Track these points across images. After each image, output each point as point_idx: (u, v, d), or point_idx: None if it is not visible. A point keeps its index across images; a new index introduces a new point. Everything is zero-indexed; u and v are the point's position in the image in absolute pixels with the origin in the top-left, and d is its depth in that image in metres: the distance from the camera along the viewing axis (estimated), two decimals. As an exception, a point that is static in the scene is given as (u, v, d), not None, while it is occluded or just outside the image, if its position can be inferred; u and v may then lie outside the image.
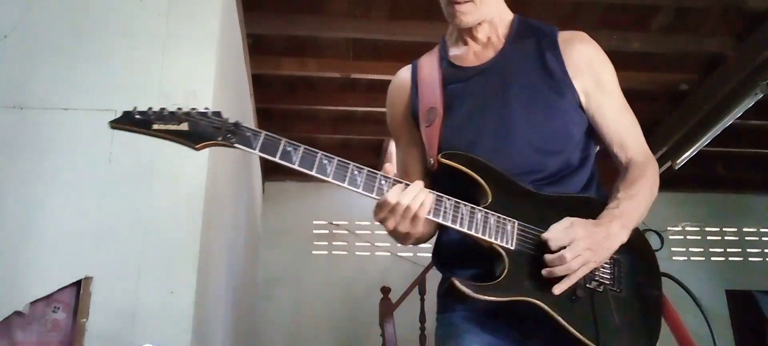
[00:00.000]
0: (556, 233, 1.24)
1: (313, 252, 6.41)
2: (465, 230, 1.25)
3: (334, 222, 6.46)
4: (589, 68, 1.42)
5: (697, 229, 6.80)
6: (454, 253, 1.38)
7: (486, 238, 1.25)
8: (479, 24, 1.45)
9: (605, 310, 1.26)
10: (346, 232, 6.41)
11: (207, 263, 2.66)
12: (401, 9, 3.92)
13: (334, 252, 6.44)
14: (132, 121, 1.17)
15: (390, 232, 1.26)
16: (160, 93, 2.59)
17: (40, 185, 2.42)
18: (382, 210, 1.22)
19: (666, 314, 1.37)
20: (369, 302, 5.57)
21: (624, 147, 1.41)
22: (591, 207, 1.33)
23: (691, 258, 6.69)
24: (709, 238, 6.81)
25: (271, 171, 6.27)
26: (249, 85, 4.30)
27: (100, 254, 2.36)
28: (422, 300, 5.09)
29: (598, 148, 1.49)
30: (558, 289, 1.23)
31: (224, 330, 3.40)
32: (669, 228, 6.67)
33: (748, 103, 4.40)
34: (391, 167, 1.28)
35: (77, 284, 2.32)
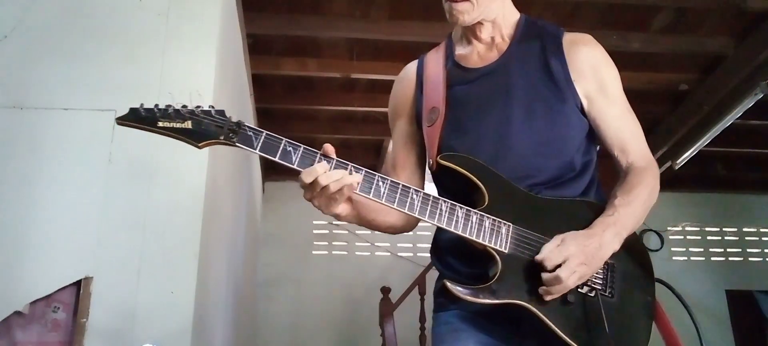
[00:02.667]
0: (548, 253, 1.24)
1: (313, 252, 6.41)
2: (459, 232, 1.26)
3: (334, 222, 6.45)
4: (593, 72, 1.42)
5: (697, 229, 6.80)
6: (452, 250, 1.38)
7: (480, 241, 1.26)
8: (481, 24, 1.45)
9: (596, 315, 1.27)
10: (346, 232, 6.41)
11: (207, 263, 2.66)
12: (401, 9, 3.92)
13: (334, 252, 6.44)
14: (138, 118, 1.18)
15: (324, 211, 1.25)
16: (160, 93, 2.59)
17: (40, 185, 2.42)
18: (302, 183, 1.20)
19: (658, 320, 1.37)
20: (369, 302, 5.57)
21: (625, 152, 1.41)
22: (588, 211, 1.33)
23: (691, 258, 6.69)
24: (709, 238, 6.81)
25: (271, 171, 6.27)
26: (249, 85, 4.30)
27: (100, 254, 2.36)
28: (422, 300, 5.09)
29: (599, 148, 1.49)
30: (549, 296, 1.24)
31: (224, 330, 3.40)
32: (669, 228, 6.68)
33: (748, 103, 4.40)
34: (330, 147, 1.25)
35: (77, 284, 2.32)
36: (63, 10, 2.69)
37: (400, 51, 4.19)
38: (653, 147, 5.94)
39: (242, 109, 3.99)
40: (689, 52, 4.43)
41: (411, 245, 6.30)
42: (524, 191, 1.33)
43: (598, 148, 1.49)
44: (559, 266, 1.22)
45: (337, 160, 1.23)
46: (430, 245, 1.49)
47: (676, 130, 5.07)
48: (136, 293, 2.33)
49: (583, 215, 1.32)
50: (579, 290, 1.27)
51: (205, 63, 2.71)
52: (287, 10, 3.91)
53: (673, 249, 6.66)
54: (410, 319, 5.13)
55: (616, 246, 1.28)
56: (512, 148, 1.36)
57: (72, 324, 2.28)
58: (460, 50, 1.52)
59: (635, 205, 1.33)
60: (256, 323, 5.81)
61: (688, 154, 5.21)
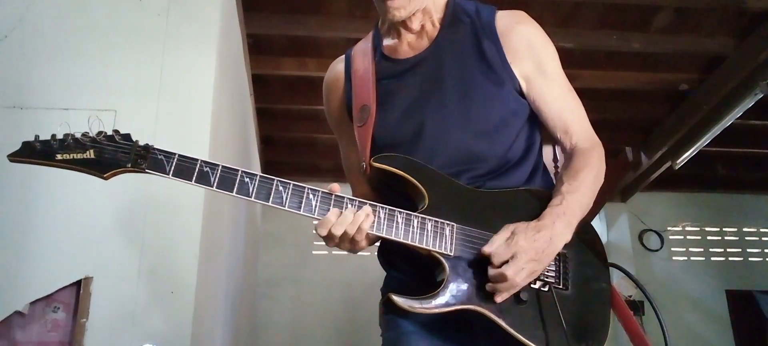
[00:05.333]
0: (497, 248, 1.18)
1: (313, 252, 6.40)
2: (401, 239, 1.19)
3: (334, 222, 6.45)
4: (530, 52, 1.34)
5: (697, 229, 6.80)
6: (400, 253, 1.32)
7: (423, 246, 1.19)
8: (412, 14, 1.36)
9: (552, 310, 1.20)
10: (346, 232, 6.40)
11: (207, 263, 2.66)
12: (401, 9, 3.91)
13: (334, 252, 6.42)
14: (33, 153, 1.11)
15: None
16: (160, 93, 2.59)
17: (40, 185, 2.42)
18: (322, 230, 1.17)
19: (615, 306, 1.31)
20: (369, 302, 5.55)
21: (568, 133, 1.35)
22: (534, 200, 1.28)
23: (691, 258, 6.69)
24: (709, 238, 6.81)
25: (272, 172, 6.26)
26: (249, 85, 4.30)
27: (100, 254, 2.36)
28: (422, 300, 5.09)
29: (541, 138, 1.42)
30: (500, 298, 1.18)
31: (224, 330, 3.40)
32: (669, 228, 6.68)
33: (748, 103, 4.40)
34: (337, 186, 1.20)
35: (77, 284, 2.32)
36: (63, 10, 2.69)
37: (400, 51, 4.17)
38: (653, 147, 5.95)
39: (242, 109, 3.99)
40: (689, 52, 4.43)
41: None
42: (465, 186, 1.26)
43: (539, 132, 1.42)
44: (507, 262, 1.17)
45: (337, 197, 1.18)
46: None
47: (676, 130, 5.06)
48: (136, 293, 2.33)
49: (530, 205, 1.26)
50: (532, 286, 1.21)
51: (205, 63, 2.70)
52: (287, 10, 3.91)
53: (673, 249, 6.66)
54: (410, 319, 5.13)
55: (568, 237, 1.23)
56: (449, 141, 1.29)
57: (72, 324, 2.28)
58: (387, 41, 1.44)
59: (582, 190, 1.27)
60: (256, 323, 5.81)
61: (688, 155, 5.21)
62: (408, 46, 1.41)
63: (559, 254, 1.25)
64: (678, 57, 4.54)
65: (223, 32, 2.89)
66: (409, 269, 1.30)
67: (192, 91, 2.63)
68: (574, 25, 3.95)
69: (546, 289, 1.23)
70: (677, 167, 5.37)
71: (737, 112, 4.54)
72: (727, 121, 4.67)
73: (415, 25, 1.39)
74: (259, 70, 4.39)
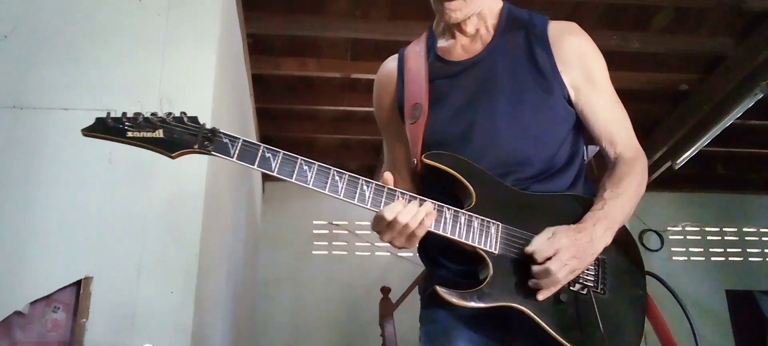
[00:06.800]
0: (539, 245, 1.21)
1: (313, 252, 6.41)
2: (448, 235, 1.22)
3: (334, 222, 6.45)
4: (580, 62, 1.38)
5: (697, 229, 6.80)
6: (440, 247, 1.35)
7: (469, 242, 1.22)
8: (467, 17, 1.41)
9: (589, 312, 1.24)
10: (346, 232, 6.41)
11: (207, 263, 2.66)
12: (401, 9, 3.91)
13: (334, 252, 6.44)
14: (105, 129, 1.13)
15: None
16: (160, 93, 2.59)
17: (40, 185, 2.42)
18: (379, 223, 1.19)
19: (650, 313, 1.35)
20: (369, 302, 5.56)
21: (613, 142, 1.38)
22: (577, 206, 1.31)
23: (691, 258, 6.69)
24: (709, 238, 6.81)
25: (272, 171, 6.26)
26: (249, 85, 4.30)
27: (100, 254, 2.35)
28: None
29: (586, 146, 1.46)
30: (542, 295, 1.22)
31: (224, 330, 3.40)
32: (669, 228, 6.68)
33: (748, 103, 4.40)
34: (390, 176, 1.22)
35: (77, 284, 2.32)
36: (63, 10, 2.69)
37: (400, 51, 4.17)
38: (653, 147, 5.95)
39: (242, 110, 3.99)
40: (689, 52, 4.43)
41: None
42: (512, 187, 1.30)
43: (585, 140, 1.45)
44: (550, 258, 1.20)
45: (399, 192, 1.19)
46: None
47: (676, 130, 5.07)
48: (136, 293, 2.33)
49: (572, 209, 1.30)
50: (571, 288, 1.25)
51: (205, 63, 2.70)
52: (287, 10, 3.91)
53: (673, 249, 6.66)
54: (410, 319, 5.10)
55: (608, 240, 1.26)
56: (498, 143, 1.32)
57: (72, 324, 2.28)
58: (442, 43, 1.48)
59: (624, 197, 1.30)
60: (256, 323, 5.81)
61: (688, 155, 5.21)
62: (462, 48, 1.45)
63: (597, 259, 1.28)
64: (678, 57, 4.54)
65: (223, 32, 2.89)
66: (452, 266, 1.33)
67: (192, 91, 2.63)
68: (574, 25, 3.95)
69: (584, 292, 1.26)
70: (677, 167, 5.37)
71: (737, 112, 4.54)
72: (727, 121, 4.67)
73: (470, 28, 1.43)
74: (259, 70, 4.39)
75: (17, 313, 2.26)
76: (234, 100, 3.48)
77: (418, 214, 1.17)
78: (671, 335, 1.40)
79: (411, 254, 6.16)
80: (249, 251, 4.90)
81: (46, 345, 2.27)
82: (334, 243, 6.44)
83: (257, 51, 4.18)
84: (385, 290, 4.97)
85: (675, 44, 4.27)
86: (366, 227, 6.35)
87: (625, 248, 1.34)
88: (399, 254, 6.23)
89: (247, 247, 4.73)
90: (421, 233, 1.19)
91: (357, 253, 6.41)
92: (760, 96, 4.25)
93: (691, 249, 6.73)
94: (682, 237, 6.75)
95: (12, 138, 2.48)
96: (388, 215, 1.16)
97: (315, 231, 6.45)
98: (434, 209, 1.21)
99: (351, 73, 4.54)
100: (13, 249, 2.34)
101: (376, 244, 6.34)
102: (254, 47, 4.10)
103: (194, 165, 2.54)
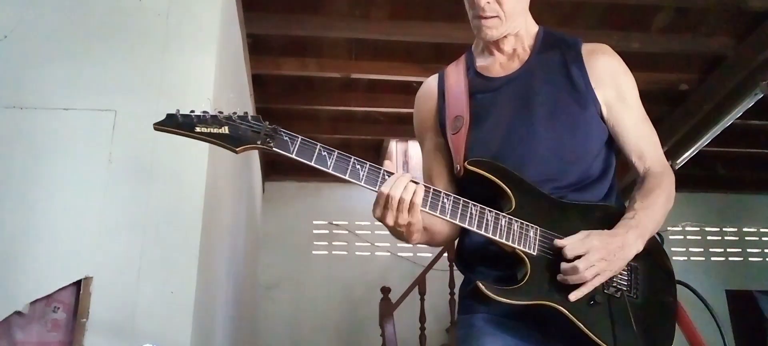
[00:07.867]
0: (572, 242, 1.28)
1: (313, 252, 6.41)
2: (489, 235, 1.28)
3: (334, 222, 6.46)
4: (612, 80, 1.47)
5: (697, 229, 6.80)
6: (477, 255, 1.41)
7: (509, 243, 1.29)
8: (505, 37, 1.48)
9: (622, 315, 1.30)
10: (346, 232, 6.41)
11: (207, 263, 2.66)
12: (401, 9, 3.92)
13: (334, 252, 6.44)
14: (176, 124, 1.20)
15: (392, 230, 1.29)
16: (160, 93, 2.59)
17: (40, 185, 2.42)
18: (378, 205, 1.24)
19: (680, 320, 1.41)
20: (369, 302, 5.57)
21: (642, 157, 1.46)
22: (609, 215, 1.37)
23: (691, 258, 6.69)
24: (709, 238, 6.81)
25: (271, 171, 6.27)
26: (249, 85, 4.30)
27: (100, 254, 2.36)
28: (422, 300, 5.09)
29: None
30: (573, 296, 1.27)
31: (224, 330, 3.40)
32: (669, 228, 6.64)
33: (748, 103, 4.39)
34: (390, 164, 1.29)
35: (77, 284, 2.32)
36: (63, 10, 2.69)
37: (400, 51, 4.17)
38: (653, 147, 5.83)
39: (242, 110, 3.98)
40: (689, 52, 4.43)
41: (411, 245, 6.30)
42: (549, 195, 1.36)
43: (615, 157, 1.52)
44: (579, 257, 1.26)
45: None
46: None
47: (676, 130, 5.06)
48: (136, 293, 2.33)
49: (606, 219, 1.35)
50: (605, 291, 1.30)
51: (205, 63, 2.71)
52: (287, 10, 3.91)
53: (673, 249, 6.66)
54: (410, 319, 5.13)
55: (639, 247, 1.32)
56: (536, 154, 1.39)
57: (72, 324, 2.28)
58: (481, 61, 1.55)
59: (655, 208, 1.37)
60: (256, 323, 5.81)
61: (688, 155, 5.20)
62: (500, 66, 1.52)
63: (630, 265, 1.34)
64: (678, 57, 4.54)
65: (223, 32, 2.90)
66: (489, 272, 1.39)
67: (192, 91, 2.63)
68: (574, 25, 3.95)
69: (618, 295, 1.32)
70: (677, 167, 5.36)
71: (737, 112, 4.53)
72: (727, 121, 4.66)
73: (508, 47, 1.51)
74: (259, 70, 4.39)
75: (17, 313, 2.26)
76: (234, 100, 3.48)
77: (408, 186, 1.22)
78: (703, 342, 1.46)
79: (411, 254, 6.17)
80: (249, 251, 4.90)
81: (46, 345, 2.27)
82: (334, 243, 6.45)
83: (257, 51, 4.18)
84: (385, 290, 4.97)
85: (675, 44, 4.27)
86: (366, 227, 6.35)
87: (655, 256, 1.41)
88: (399, 253, 6.24)
89: (247, 247, 4.73)
90: (418, 202, 1.23)
91: (357, 253, 6.41)
92: (760, 96, 4.25)
93: (691, 249, 6.73)
94: (682, 237, 6.75)
95: (12, 138, 2.48)
96: (384, 190, 1.22)
97: (315, 231, 6.45)
98: (476, 211, 1.28)
99: (351, 73, 4.54)
100: (13, 249, 2.34)
101: (376, 244, 6.35)
102: (254, 47, 4.10)
103: (194, 165, 2.54)
